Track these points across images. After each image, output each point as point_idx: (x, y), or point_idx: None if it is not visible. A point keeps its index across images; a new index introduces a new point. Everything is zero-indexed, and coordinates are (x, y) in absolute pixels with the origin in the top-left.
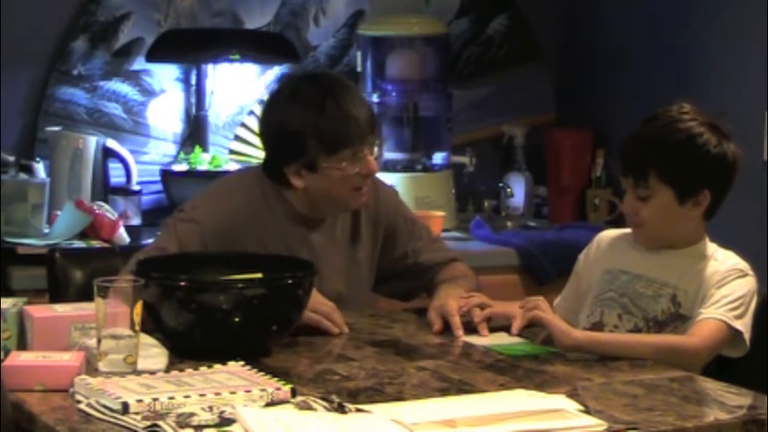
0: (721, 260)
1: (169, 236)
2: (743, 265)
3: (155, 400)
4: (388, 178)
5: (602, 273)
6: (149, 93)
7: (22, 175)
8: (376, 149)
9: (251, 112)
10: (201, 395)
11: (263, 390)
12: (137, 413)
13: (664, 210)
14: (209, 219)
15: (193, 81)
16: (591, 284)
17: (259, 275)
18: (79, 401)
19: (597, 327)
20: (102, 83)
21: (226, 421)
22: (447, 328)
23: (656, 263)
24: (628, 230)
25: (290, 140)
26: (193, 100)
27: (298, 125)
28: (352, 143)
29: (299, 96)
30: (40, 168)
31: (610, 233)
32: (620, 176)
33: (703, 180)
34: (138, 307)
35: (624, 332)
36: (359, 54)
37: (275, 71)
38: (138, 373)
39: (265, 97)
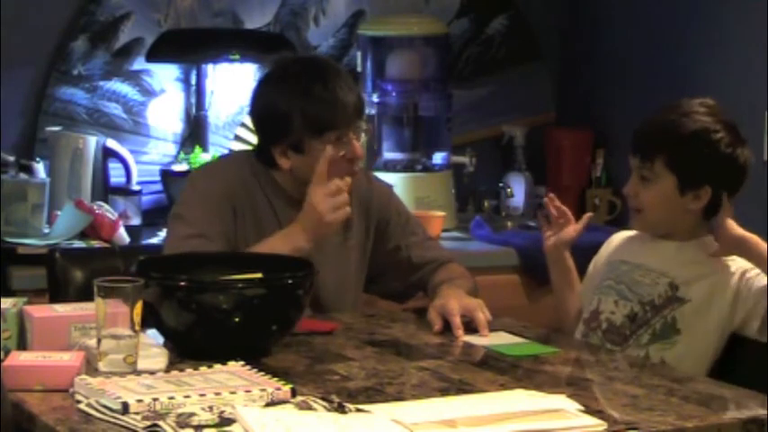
0: (726, 258)
1: (183, 222)
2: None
3: (155, 400)
4: (388, 178)
5: (602, 266)
6: (149, 93)
7: (22, 175)
8: (363, 136)
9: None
10: (201, 395)
11: (263, 390)
12: (137, 413)
13: (663, 196)
14: (210, 188)
15: (193, 81)
16: (594, 279)
17: (259, 275)
18: (79, 401)
19: (594, 314)
20: (102, 83)
21: (226, 421)
22: (447, 328)
23: (656, 253)
24: (634, 232)
25: (276, 121)
26: (193, 100)
27: (285, 106)
28: (337, 126)
29: (287, 78)
30: (40, 168)
31: (619, 234)
32: (629, 156)
33: (707, 175)
34: (138, 307)
35: (621, 317)
36: (359, 54)
37: None
38: (138, 373)
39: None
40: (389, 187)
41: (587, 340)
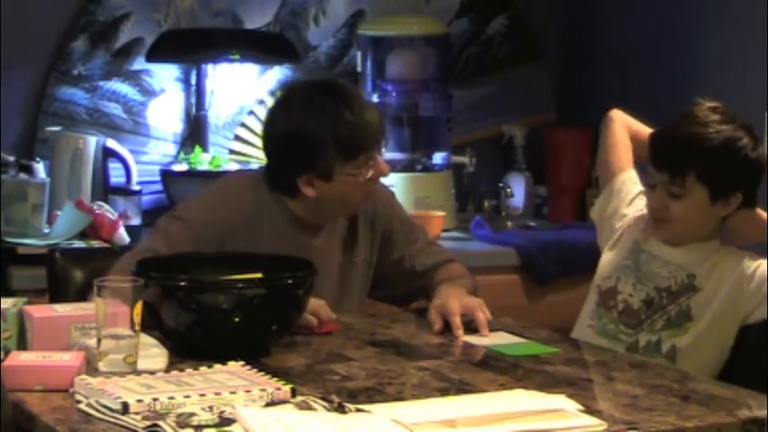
0: (741, 253)
1: (161, 235)
2: None
3: (155, 400)
4: (387, 178)
5: (630, 243)
6: (149, 93)
7: (22, 175)
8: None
9: (251, 112)
10: (201, 395)
11: (263, 390)
12: (137, 413)
13: (695, 208)
14: (200, 222)
15: (193, 81)
16: (621, 239)
17: (259, 275)
18: (79, 401)
19: (612, 292)
20: (102, 83)
21: (226, 421)
22: (447, 328)
23: (676, 248)
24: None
25: (306, 150)
26: (193, 100)
27: (315, 134)
28: (368, 148)
29: (313, 105)
30: (40, 168)
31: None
32: (650, 170)
33: (738, 182)
34: (138, 307)
35: (638, 302)
36: (359, 54)
37: (275, 71)
38: (138, 373)
39: (266, 99)
40: (391, 193)
41: (599, 314)
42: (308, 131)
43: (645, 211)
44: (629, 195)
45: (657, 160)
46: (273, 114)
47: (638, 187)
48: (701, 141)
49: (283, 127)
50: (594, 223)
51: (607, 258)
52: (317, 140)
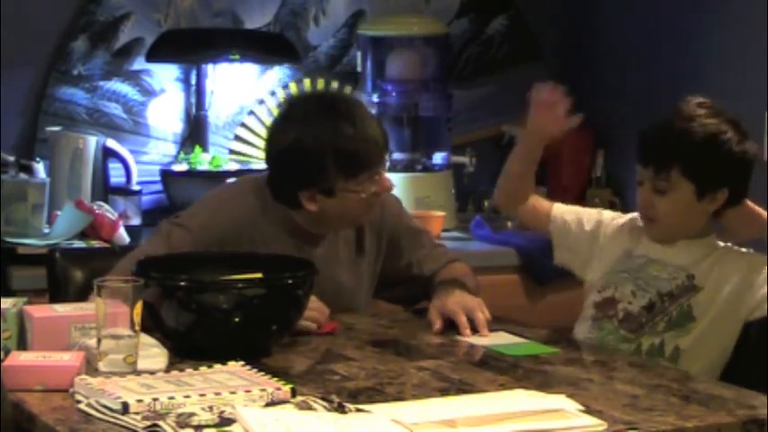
0: (741, 251)
1: (162, 240)
2: None
3: (155, 400)
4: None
5: (619, 252)
6: (149, 93)
7: (22, 175)
8: (387, 164)
9: (251, 112)
10: (201, 395)
11: (263, 390)
12: (137, 413)
13: (681, 204)
14: (203, 229)
15: (193, 81)
16: (605, 253)
17: (259, 275)
18: (79, 401)
19: (610, 302)
20: (102, 83)
21: (226, 421)
22: (447, 328)
23: (670, 249)
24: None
25: (306, 166)
26: (193, 100)
27: (315, 151)
28: (370, 165)
29: (312, 121)
30: (40, 168)
31: (629, 218)
32: (637, 167)
33: (724, 177)
34: (138, 307)
35: (638, 308)
36: (359, 54)
37: (275, 71)
38: (138, 373)
39: (266, 99)
40: (397, 200)
41: (599, 326)
42: (308, 149)
43: (622, 219)
44: (581, 223)
45: (643, 155)
46: (275, 129)
47: (573, 210)
48: (685, 135)
49: (284, 143)
50: (567, 267)
51: (596, 275)
52: (318, 158)
